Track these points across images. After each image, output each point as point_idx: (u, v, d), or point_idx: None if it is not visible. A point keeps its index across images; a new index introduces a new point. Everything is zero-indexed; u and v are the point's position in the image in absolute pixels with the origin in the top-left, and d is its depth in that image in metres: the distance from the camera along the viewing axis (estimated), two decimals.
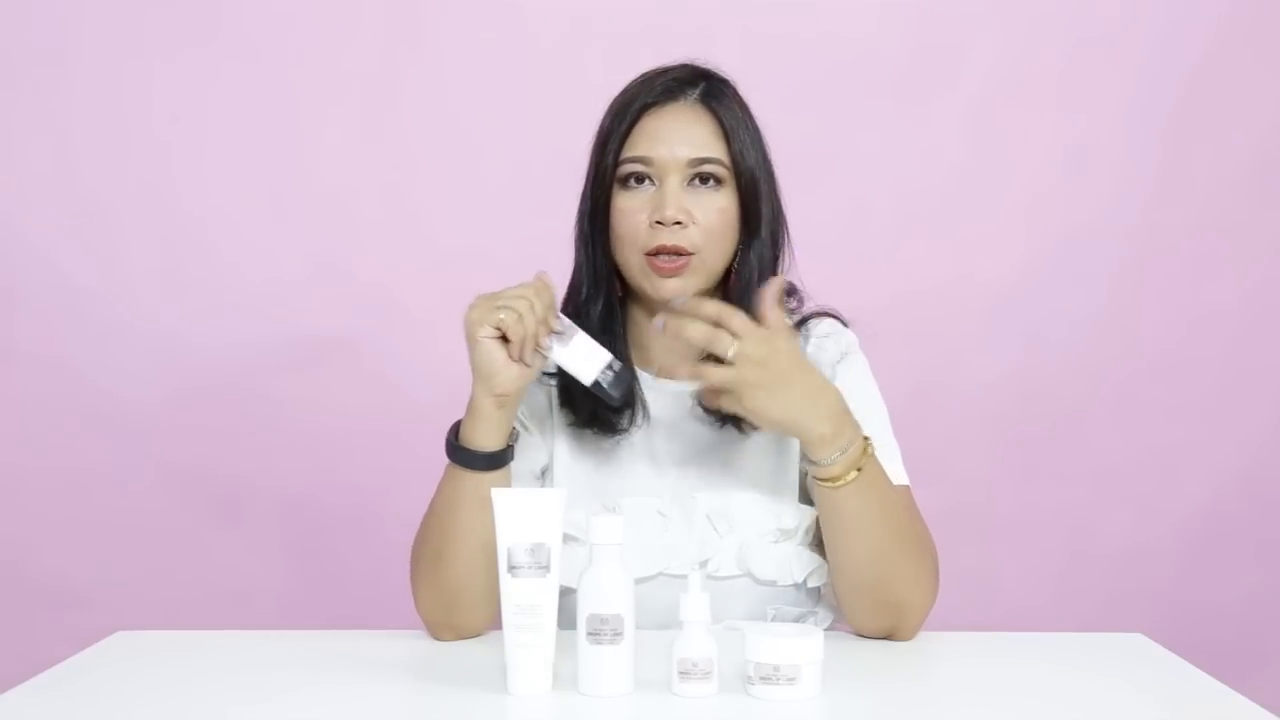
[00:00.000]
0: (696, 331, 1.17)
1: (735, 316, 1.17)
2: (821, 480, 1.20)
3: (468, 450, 1.23)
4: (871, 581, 1.23)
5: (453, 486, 1.25)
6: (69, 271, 2.07)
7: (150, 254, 2.08)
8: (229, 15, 2.06)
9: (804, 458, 1.22)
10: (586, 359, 1.22)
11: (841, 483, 1.19)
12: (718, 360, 1.17)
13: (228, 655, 1.22)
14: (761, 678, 1.03)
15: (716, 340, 1.17)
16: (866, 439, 1.21)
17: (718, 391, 1.19)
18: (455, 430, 1.25)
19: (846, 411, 1.20)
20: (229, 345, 2.08)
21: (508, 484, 1.26)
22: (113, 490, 2.08)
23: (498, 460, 1.24)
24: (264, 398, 2.08)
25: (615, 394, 1.22)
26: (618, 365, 1.22)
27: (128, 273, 2.08)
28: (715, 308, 1.18)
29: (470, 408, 1.23)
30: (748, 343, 1.16)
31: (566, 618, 1.08)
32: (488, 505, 1.21)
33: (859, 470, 1.19)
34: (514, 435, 1.26)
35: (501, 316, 1.18)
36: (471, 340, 1.20)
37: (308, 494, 2.09)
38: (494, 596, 1.24)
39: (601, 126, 1.36)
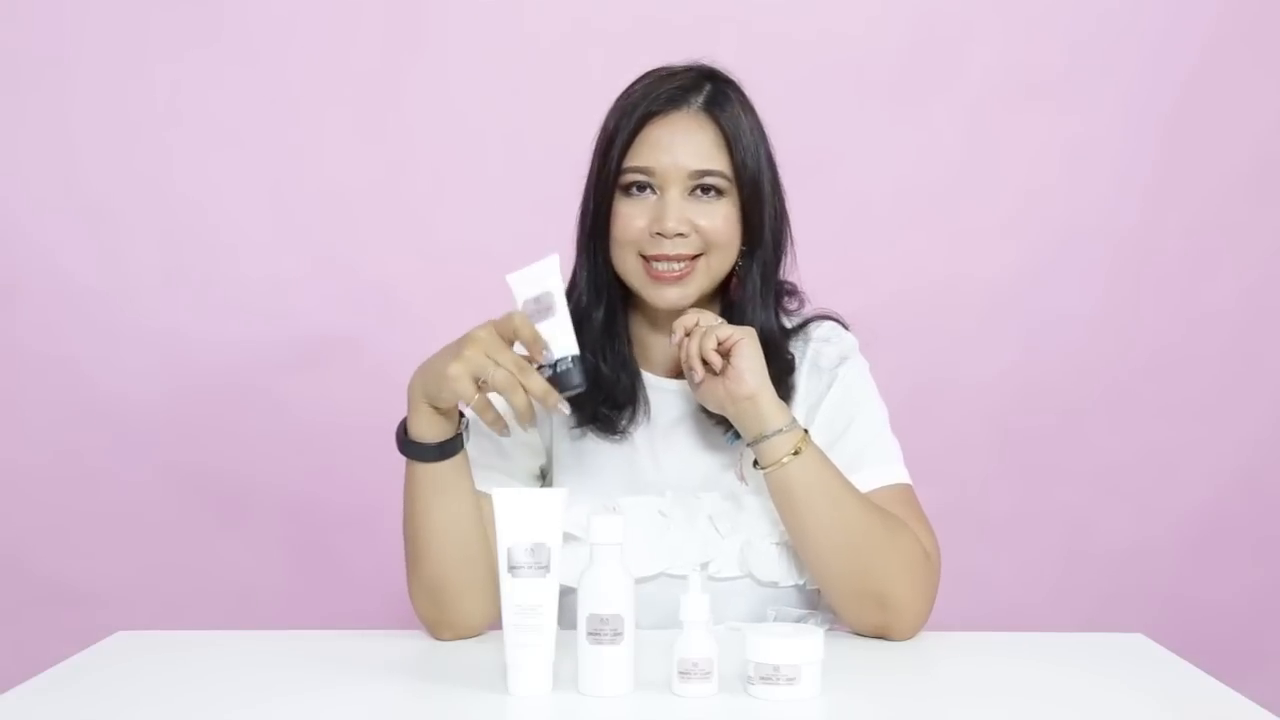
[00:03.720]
0: (692, 346, 1.25)
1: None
2: (769, 464, 1.23)
3: (418, 444, 1.23)
4: (840, 567, 1.24)
5: (413, 481, 1.25)
6: (71, 270, 2.07)
7: (152, 252, 2.08)
8: (230, 15, 2.06)
9: (752, 442, 1.25)
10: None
11: (788, 460, 1.22)
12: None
13: (228, 655, 1.22)
14: (761, 678, 1.03)
15: (680, 324, 1.27)
16: (805, 429, 1.25)
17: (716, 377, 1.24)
18: (404, 426, 1.25)
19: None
20: (230, 343, 2.08)
21: (466, 469, 1.26)
22: (113, 489, 2.08)
23: (449, 449, 1.24)
24: (265, 396, 2.08)
25: (574, 382, 1.18)
26: (565, 364, 1.18)
27: (130, 271, 2.08)
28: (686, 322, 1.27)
29: (411, 404, 1.23)
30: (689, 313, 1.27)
31: (566, 618, 1.08)
32: (448, 494, 1.23)
33: (799, 450, 1.22)
34: (462, 422, 1.25)
35: (497, 381, 1.15)
36: (457, 377, 1.15)
37: (308, 492, 2.09)
38: (482, 590, 1.25)
39: (605, 128, 1.36)
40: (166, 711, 1.05)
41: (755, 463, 1.25)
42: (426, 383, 1.20)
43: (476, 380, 1.15)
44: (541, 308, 1.18)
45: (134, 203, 2.08)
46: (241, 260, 2.08)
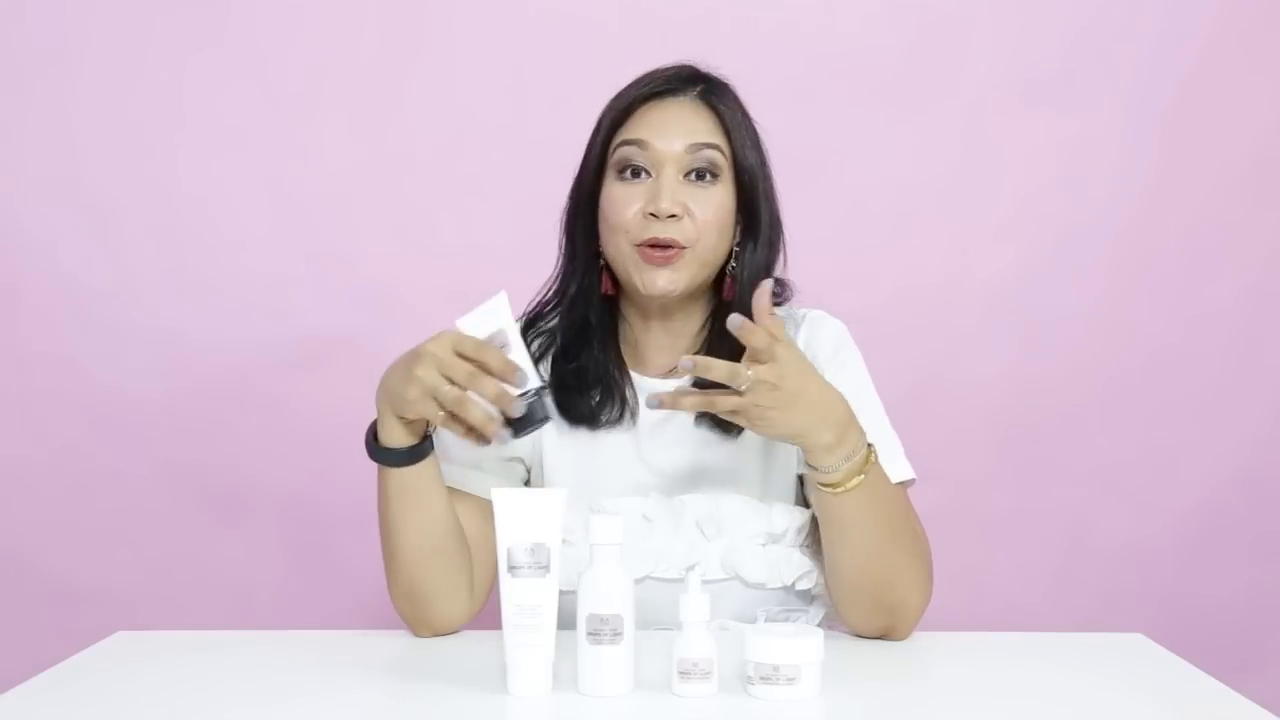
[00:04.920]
0: (720, 371, 1.12)
1: (753, 338, 1.12)
2: (824, 486, 1.19)
3: (388, 450, 1.23)
4: (869, 583, 1.23)
5: (384, 486, 1.25)
6: (72, 269, 2.07)
7: (153, 252, 2.08)
8: (233, 14, 2.06)
9: (805, 463, 1.20)
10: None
11: (844, 489, 1.18)
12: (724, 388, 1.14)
13: (228, 655, 1.22)
14: (761, 678, 1.03)
15: (735, 376, 1.12)
16: (871, 447, 1.19)
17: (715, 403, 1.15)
18: (374, 431, 1.25)
19: (852, 418, 1.18)
20: (231, 342, 2.08)
21: (437, 473, 1.25)
22: (114, 488, 2.08)
23: (418, 453, 1.23)
24: (265, 394, 2.08)
25: (543, 414, 1.16)
26: (531, 395, 1.15)
27: (131, 271, 2.07)
28: (726, 367, 1.13)
29: (379, 414, 1.22)
30: (762, 369, 1.12)
31: (566, 618, 1.08)
32: (419, 498, 1.23)
33: (862, 476, 1.18)
34: (429, 425, 1.23)
35: (447, 400, 1.13)
36: (416, 399, 1.14)
37: (309, 491, 2.09)
38: (456, 591, 1.26)
39: (599, 118, 1.36)
40: (166, 711, 1.05)
41: (808, 471, 1.21)
42: (392, 401, 1.19)
43: (436, 399, 1.14)
44: (498, 345, 1.15)
45: (135, 202, 2.07)
46: (243, 259, 2.08)
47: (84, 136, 2.07)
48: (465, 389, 1.13)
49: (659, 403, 1.17)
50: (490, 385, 1.13)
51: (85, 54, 2.06)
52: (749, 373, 1.12)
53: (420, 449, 1.23)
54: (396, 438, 1.22)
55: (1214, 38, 2.10)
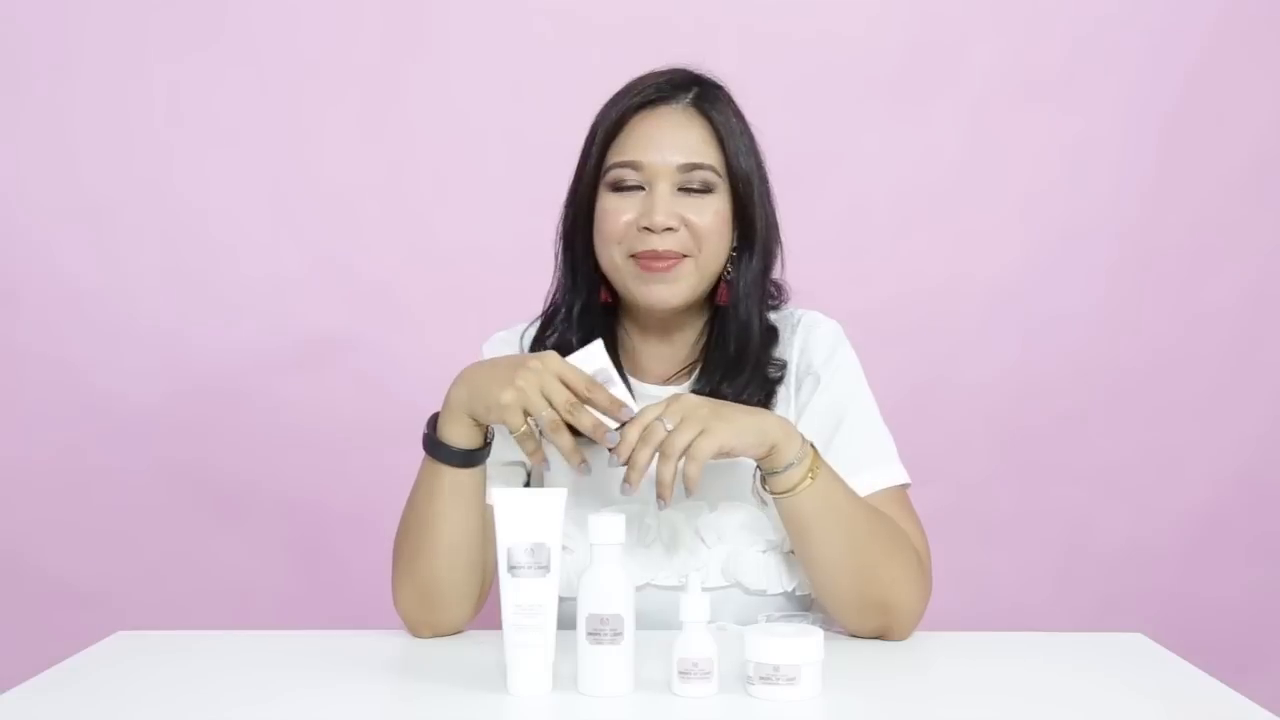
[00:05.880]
0: (643, 457, 1.15)
1: (645, 411, 1.16)
2: (781, 492, 1.20)
3: (447, 447, 1.23)
4: (848, 582, 1.23)
5: (431, 482, 1.25)
6: (71, 271, 2.07)
7: (152, 254, 2.08)
8: (231, 14, 2.06)
9: (761, 473, 1.21)
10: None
11: (801, 488, 1.19)
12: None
13: (228, 655, 1.22)
14: (761, 678, 1.03)
15: (651, 435, 1.15)
16: (812, 444, 1.21)
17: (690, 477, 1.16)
18: (433, 423, 1.25)
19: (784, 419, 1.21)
20: (229, 344, 2.08)
21: (484, 478, 1.26)
22: (113, 489, 2.08)
23: (474, 458, 1.24)
24: (264, 397, 2.08)
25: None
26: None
27: (129, 272, 2.07)
28: (633, 430, 1.15)
29: (450, 410, 1.23)
30: (669, 409, 1.15)
31: (566, 619, 1.08)
32: (465, 499, 1.23)
33: (813, 477, 1.19)
34: (489, 433, 1.26)
35: (545, 422, 1.16)
36: (509, 406, 1.16)
37: (308, 493, 2.09)
38: (472, 594, 1.26)
39: (591, 128, 1.35)
40: (166, 711, 1.05)
41: (763, 482, 1.22)
42: (473, 399, 1.20)
43: (526, 413, 1.16)
44: (602, 381, 1.20)
45: (134, 203, 2.07)
46: (241, 261, 2.08)
47: (81, 138, 2.07)
48: (561, 416, 1.16)
49: (631, 489, 1.17)
50: (587, 418, 1.16)
51: (83, 55, 2.06)
52: (664, 422, 1.15)
53: (479, 454, 1.24)
54: (461, 437, 1.22)
55: (1216, 37, 2.10)
